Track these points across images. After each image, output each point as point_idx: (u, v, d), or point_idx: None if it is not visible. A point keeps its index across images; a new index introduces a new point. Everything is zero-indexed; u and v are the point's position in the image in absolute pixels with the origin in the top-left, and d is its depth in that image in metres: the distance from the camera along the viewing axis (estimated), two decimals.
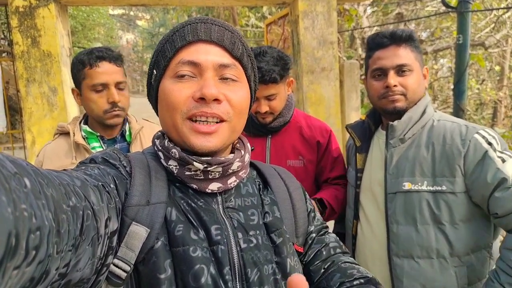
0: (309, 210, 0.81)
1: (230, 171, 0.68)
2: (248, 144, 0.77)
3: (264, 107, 1.47)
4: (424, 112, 1.28)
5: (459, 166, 1.18)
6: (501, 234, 1.28)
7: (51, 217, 0.37)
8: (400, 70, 1.25)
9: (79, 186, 0.48)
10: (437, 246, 1.21)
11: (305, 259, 0.78)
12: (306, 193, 0.84)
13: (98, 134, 1.46)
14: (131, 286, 0.59)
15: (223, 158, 0.67)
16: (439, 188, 1.20)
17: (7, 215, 0.30)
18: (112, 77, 1.38)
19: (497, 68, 8.26)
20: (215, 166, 0.66)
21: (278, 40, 3.87)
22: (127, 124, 1.52)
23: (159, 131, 0.74)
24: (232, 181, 0.69)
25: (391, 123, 1.29)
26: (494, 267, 1.16)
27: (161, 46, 0.69)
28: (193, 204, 0.66)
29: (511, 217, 1.11)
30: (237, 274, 0.63)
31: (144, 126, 1.54)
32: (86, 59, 1.37)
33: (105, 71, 1.38)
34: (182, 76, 0.65)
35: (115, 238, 0.56)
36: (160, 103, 0.69)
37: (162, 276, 0.58)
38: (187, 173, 0.67)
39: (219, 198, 0.69)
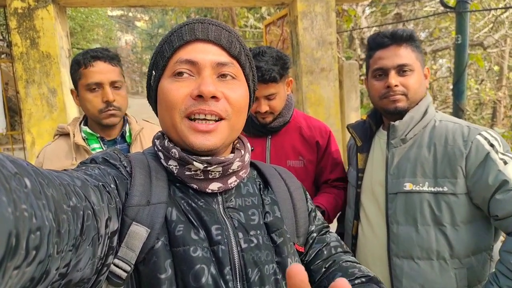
0: (310, 209, 0.81)
1: (230, 170, 0.68)
2: (248, 144, 0.77)
3: (264, 107, 1.47)
4: (425, 112, 1.27)
5: (461, 167, 1.17)
6: (502, 236, 1.27)
7: (52, 217, 0.37)
8: (401, 70, 1.25)
9: (79, 186, 0.48)
10: (437, 247, 1.20)
11: (306, 259, 0.78)
12: (307, 193, 0.84)
13: (98, 135, 1.46)
14: (132, 286, 0.59)
15: (223, 158, 0.67)
16: (440, 189, 1.19)
17: (8, 215, 0.30)
18: (106, 76, 1.38)
19: (496, 68, 8.28)
20: (215, 166, 0.66)
21: (277, 41, 3.87)
22: (127, 125, 1.52)
23: (159, 131, 0.74)
24: (232, 181, 0.69)
25: (392, 123, 1.28)
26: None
27: (160, 47, 0.70)
28: (193, 204, 0.66)
29: (511, 219, 1.10)
30: (237, 274, 0.63)
31: (144, 127, 1.54)
32: (81, 59, 1.38)
33: (100, 71, 1.38)
34: (180, 73, 0.65)
35: (115, 238, 0.56)
36: (159, 103, 0.69)
37: (163, 276, 0.58)
38: (187, 173, 0.67)
39: (220, 198, 0.69)
